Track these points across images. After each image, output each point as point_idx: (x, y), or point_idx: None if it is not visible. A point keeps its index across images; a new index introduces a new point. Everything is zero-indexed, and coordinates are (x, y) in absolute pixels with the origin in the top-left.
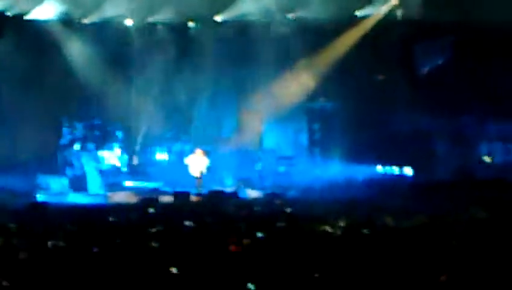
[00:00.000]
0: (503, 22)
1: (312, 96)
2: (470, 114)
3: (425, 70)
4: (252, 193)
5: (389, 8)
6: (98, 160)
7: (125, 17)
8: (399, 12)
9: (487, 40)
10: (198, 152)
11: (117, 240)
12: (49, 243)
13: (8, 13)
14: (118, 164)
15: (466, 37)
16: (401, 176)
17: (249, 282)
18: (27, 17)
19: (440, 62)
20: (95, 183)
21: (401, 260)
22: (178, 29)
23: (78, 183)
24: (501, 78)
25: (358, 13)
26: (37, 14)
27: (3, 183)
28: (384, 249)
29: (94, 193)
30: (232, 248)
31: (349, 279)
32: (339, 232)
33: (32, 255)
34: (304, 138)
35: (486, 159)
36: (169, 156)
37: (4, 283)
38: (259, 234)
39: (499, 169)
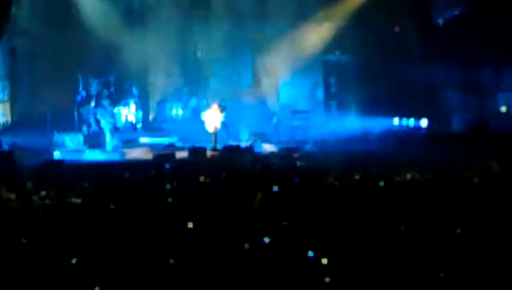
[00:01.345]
0: None
1: (328, 50)
2: (487, 65)
3: (441, 21)
4: (268, 147)
5: None
6: (113, 117)
7: None
8: None
9: None
10: (214, 107)
11: (133, 196)
12: (66, 201)
13: None
14: (134, 121)
15: None
16: (417, 128)
17: (264, 236)
18: None
19: (456, 13)
20: (110, 140)
21: (417, 212)
22: None
23: (94, 140)
24: None
25: None
26: None
27: (20, 141)
28: (400, 201)
29: (110, 149)
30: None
31: (364, 231)
32: (353, 185)
33: (50, 213)
34: (320, 92)
35: (503, 109)
36: (185, 112)
37: (23, 240)
38: (275, 188)
39: None
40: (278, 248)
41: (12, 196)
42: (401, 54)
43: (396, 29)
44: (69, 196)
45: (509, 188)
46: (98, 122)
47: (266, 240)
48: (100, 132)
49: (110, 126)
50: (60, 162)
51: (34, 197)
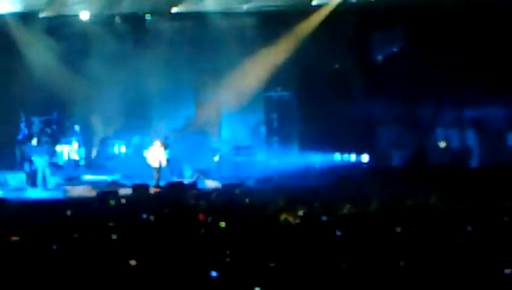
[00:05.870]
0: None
1: (270, 86)
2: (426, 100)
3: (380, 57)
4: (211, 184)
5: None
6: (55, 154)
7: (82, 10)
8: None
9: (440, 26)
10: (157, 144)
11: (75, 234)
12: (7, 239)
13: None
14: (76, 158)
15: (420, 24)
16: (358, 163)
17: (210, 271)
18: None
19: (395, 49)
20: (52, 178)
21: (360, 247)
22: (135, 22)
23: (36, 178)
24: (455, 64)
25: (314, 2)
26: None
27: None
28: (343, 236)
29: (52, 187)
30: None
31: (308, 267)
32: (297, 221)
33: None
34: (262, 128)
35: (442, 144)
36: (128, 149)
37: None
38: (221, 224)
39: (454, 154)
40: (224, 283)
41: None
42: (341, 90)
43: (336, 66)
44: (10, 235)
45: (448, 222)
46: (39, 160)
47: (214, 273)
48: (42, 169)
49: (52, 164)
50: (1, 200)
51: None
